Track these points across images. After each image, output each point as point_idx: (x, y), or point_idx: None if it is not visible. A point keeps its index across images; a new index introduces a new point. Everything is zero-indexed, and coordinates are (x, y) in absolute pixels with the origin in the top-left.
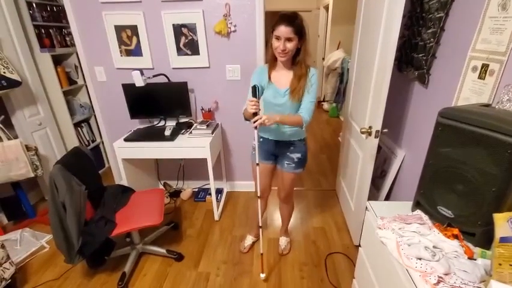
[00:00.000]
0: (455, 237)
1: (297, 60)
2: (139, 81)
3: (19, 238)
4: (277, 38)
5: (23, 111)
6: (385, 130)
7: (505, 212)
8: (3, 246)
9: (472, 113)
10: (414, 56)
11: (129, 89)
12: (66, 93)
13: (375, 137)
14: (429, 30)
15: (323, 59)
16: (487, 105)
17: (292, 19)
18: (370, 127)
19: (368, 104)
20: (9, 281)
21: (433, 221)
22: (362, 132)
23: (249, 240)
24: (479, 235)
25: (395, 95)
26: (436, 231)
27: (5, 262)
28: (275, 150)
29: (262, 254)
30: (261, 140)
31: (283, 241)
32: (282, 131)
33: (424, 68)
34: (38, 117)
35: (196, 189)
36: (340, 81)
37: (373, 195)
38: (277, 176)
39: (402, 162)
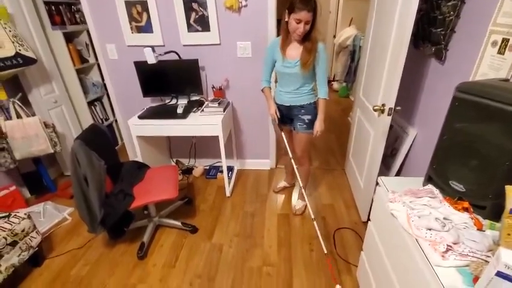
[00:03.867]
0: (466, 210)
1: (309, 37)
2: (151, 59)
3: (42, 211)
4: (298, 21)
5: (39, 89)
6: (398, 108)
7: None
8: (29, 217)
9: (490, 86)
10: (432, 30)
11: (141, 67)
12: (78, 72)
13: (388, 114)
14: (450, 3)
15: (334, 36)
16: (506, 80)
17: (312, 3)
18: (383, 105)
19: (382, 81)
20: (36, 249)
21: (444, 195)
22: (375, 110)
23: (282, 183)
24: (490, 208)
25: (410, 72)
26: (447, 205)
27: (32, 231)
28: (289, 113)
29: (326, 255)
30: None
31: (299, 203)
32: (293, 98)
33: (442, 44)
34: (54, 95)
35: (208, 167)
36: (351, 60)
37: (383, 174)
38: (293, 137)
39: (413, 141)
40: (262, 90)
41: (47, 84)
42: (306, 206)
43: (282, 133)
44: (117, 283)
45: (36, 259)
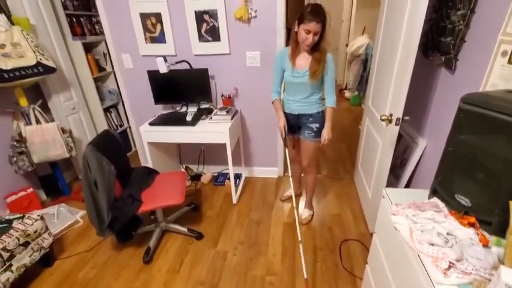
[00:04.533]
0: (471, 225)
1: (318, 47)
2: (163, 68)
3: (56, 212)
4: (307, 32)
5: (58, 96)
6: (406, 118)
7: None
8: (42, 218)
9: (495, 98)
10: (441, 40)
11: (154, 76)
12: (96, 80)
13: (396, 124)
14: (459, 12)
15: (346, 45)
16: None
17: (321, 15)
18: (391, 114)
19: (390, 90)
20: (48, 249)
21: (450, 209)
22: (382, 120)
23: (288, 192)
24: (496, 224)
25: (419, 81)
26: (452, 219)
27: (44, 232)
28: (297, 122)
29: (306, 280)
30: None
31: (305, 212)
32: (302, 107)
33: (452, 53)
34: (72, 102)
35: (216, 174)
36: (363, 69)
37: (392, 185)
38: (301, 146)
39: (423, 152)
40: (272, 102)
41: (66, 92)
42: (312, 215)
43: (286, 149)
44: (122, 287)
45: (47, 259)
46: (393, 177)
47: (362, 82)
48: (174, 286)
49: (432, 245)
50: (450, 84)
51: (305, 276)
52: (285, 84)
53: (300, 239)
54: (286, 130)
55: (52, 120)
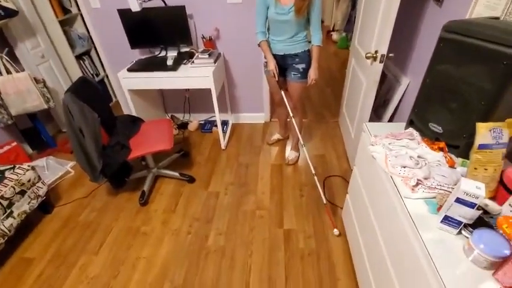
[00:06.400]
0: (441, 149)
1: None
2: (135, 5)
3: (45, 165)
4: None
5: (24, 44)
6: (391, 54)
7: (489, 122)
8: (33, 168)
9: (477, 25)
10: None
11: (126, 15)
12: (62, 24)
13: (380, 61)
14: None
15: None
16: (496, 18)
17: None
18: (376, 51)
19: (376, 26)
20: (44, 198)
21: (423, 136)
22: (367, 58)
23: (275, 136)
24: (463, 147)
25: (407, 17)
26: (424, 145)
27: (37, 182)
28: (283, 63)
29: (325, 205)
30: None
31: (292, 154)
32: (287, 47)
33: None
34: (40, 50)
35: (203, 122)
36: (352, 7)
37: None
38: (287, 87)
39: (406, 90)
40: (258, 44)
41: (32, 38)
42: (298, 156)
43: (282, 92)
44: (123, 226)
45: (46, 207)
46: (376, 117)
47: (351, 22)
48: (171, 223)
49: (404, 167)
50: (436, 17)
51: (324, 202)
52: (269, 22)
53: (313, 171)
54: (277, 71)
55: (23, 70)
